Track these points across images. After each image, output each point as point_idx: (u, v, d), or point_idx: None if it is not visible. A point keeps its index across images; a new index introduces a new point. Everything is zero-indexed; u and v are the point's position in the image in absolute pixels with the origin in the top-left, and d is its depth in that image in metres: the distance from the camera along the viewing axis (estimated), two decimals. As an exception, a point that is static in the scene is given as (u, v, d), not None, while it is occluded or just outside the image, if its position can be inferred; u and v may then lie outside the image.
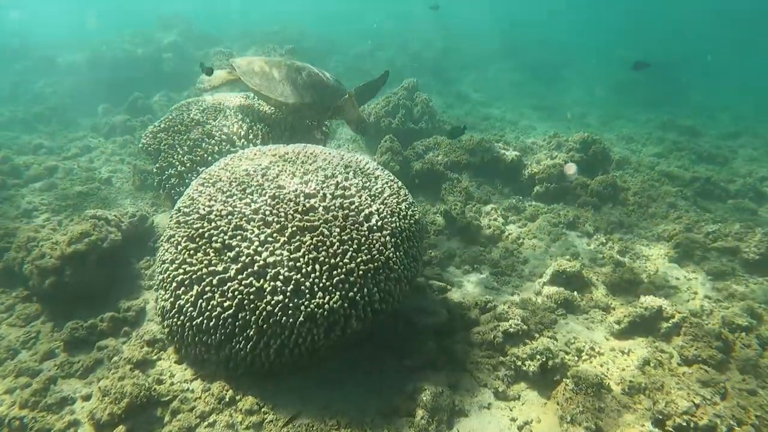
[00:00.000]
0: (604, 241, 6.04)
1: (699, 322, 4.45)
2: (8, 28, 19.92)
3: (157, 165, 5.28)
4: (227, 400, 3.38)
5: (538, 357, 3.81)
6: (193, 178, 4.94)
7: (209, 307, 3.38)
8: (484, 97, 16.20)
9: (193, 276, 3.48)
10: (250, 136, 5.24)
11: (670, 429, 3.24)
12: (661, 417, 3.31)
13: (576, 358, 4.06)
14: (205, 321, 3.39)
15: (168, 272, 3.66)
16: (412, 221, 3.92)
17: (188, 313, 3.47)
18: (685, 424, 3.20)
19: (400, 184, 4.25)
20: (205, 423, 3.25)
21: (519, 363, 3.83)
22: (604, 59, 21.90)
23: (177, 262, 3.62)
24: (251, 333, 3.30)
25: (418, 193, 6.83)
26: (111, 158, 8.48)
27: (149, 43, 14.56)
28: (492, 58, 21.35)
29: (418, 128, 8.56)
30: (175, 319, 3.57)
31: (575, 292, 4.86)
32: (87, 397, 3.54)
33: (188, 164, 5.06)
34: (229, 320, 3.33)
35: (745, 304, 4.85)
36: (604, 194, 6.88)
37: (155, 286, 4.21)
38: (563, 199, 7.02)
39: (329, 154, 4.25)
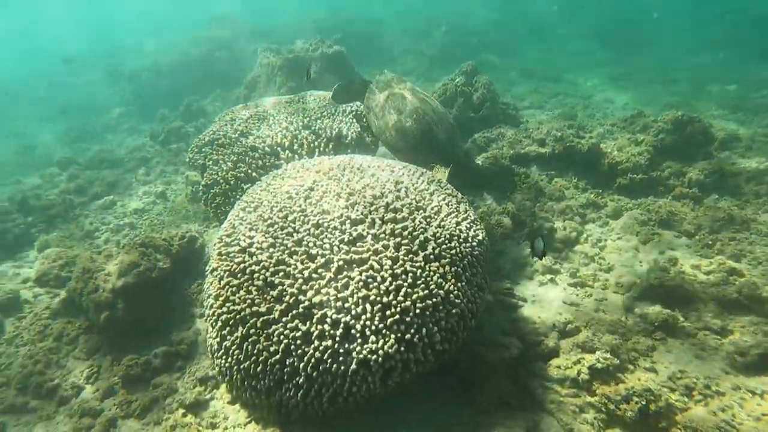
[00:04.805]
0: (711, 242, 4.99)
1: None
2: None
3: (203, 182, 5.08)
4: (281, 449, 3.10)
5: (636, 399, 3.18)
6: (238, 196, 4.68)
7: (255, 351, 3.09)
8: (551, 70, 14.50)
9: (237, 316, 3.20)
10: (295, 146, 4.88)
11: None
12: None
13: (686, 399, 3.35)
14: (252, 365, 3.11)
15: (213, 309, 3.42)
16: (474, 243, 3.38)
17: (235, 356, 3.22)
18: None
19: (459, 197, 3.70)
20: (258, 474, 3.00)
21: (612, 406, 3.21)
22: (698, 12, 19.08)
23: (221, 299, 3.37)
24: (301, 381, 2.97)
25: (481, 191, 6.17)
26: (166, 168, 8.56)
27: (203, 43, 14.73)
28: (553, 25, 19.54)
29: (479, 116, 7.77)
30: (223, 360, 3.33)
31: (676, 310, 4.08)
32: (145, 440, 3.43)
33: (232, 181, 4.79)
34: (277, 366, 3.03)
35: None
36: (706, 183, 5.80)
37: (206, 317, 4.02)
38: (653, 192, 5.97)
39: (378, 167, 3.78)
